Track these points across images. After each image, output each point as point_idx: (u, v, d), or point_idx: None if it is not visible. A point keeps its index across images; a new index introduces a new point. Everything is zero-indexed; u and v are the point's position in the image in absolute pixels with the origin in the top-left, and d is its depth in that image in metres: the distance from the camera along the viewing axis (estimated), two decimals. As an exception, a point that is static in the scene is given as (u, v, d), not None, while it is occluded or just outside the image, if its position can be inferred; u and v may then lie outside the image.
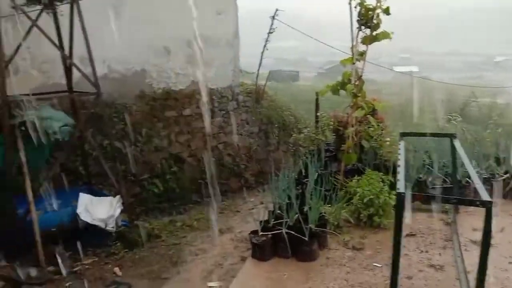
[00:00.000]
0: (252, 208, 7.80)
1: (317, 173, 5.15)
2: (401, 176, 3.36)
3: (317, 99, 6.09)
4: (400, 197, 3.01)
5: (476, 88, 16.76)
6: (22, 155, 5.09)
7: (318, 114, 6.02)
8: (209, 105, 8.50)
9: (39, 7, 5.48)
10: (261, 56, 8.69)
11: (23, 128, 4.98)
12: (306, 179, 5.18)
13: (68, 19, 5.62)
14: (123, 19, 7.15)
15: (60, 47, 5.64)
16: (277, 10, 8.47)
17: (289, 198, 4.60)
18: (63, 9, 5.71)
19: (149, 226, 6.46)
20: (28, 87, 6.26)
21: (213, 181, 8.54)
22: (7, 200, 5.28)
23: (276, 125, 9.32)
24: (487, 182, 5.22)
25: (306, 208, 4.59)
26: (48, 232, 5.43)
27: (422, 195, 4.08)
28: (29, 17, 5.04)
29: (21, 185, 5.41)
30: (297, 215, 4.38)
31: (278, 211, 4.59)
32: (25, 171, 5.15)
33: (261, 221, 4.54)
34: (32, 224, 5.25)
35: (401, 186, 3.15)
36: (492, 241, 2.93)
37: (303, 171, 5.49)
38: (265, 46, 8.64)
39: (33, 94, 5.55)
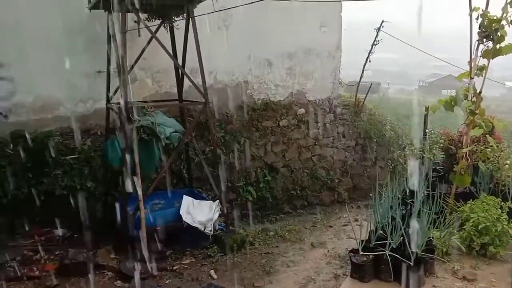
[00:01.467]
0: (345, 225, 7.59)
1: (424, 194, 4.83)
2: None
3: (426, 115, 5.73)
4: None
5: None
6: (136, 157, 5.51)
7: (427, 130, 5.66)
8: (306, 116, 8.48)
9: (158, 21, 5.94)
10: (363, 69, 8.47)
11: (139, 132, 5.39)
12: (411, 200, 4.88)
13: (183, 33, 6.00)
14: (229, 33, 7.47)
15: (175, 58, 6.02)
16: (383, 21, 8.21)
17: (393, 218, 4.36)
18: (179, 23, 6.13)
19: (243, 232, 6.59)
20: (142, 94, 6.84)
21: (306, 193, 8.49)
22: (121, 198, 5.73)
23: (374, 140, 8.98)
24: None
25: (411, 231, 4.31)
26: (153, 230, 5.80)
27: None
28: (150, 30, 5.47)
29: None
30: (401, 238, 4.14)
31: (381, 231, 4.38)
32: (137, 172, 5.55)
33: (362, 240, 4.37)
34: (139, 221, 5.64)
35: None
36: None
37: (407, 190, 5.17)
38: (368, 58, 8.40)
39: (148, 102, 6.02)
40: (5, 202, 5.76)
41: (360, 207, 8.52)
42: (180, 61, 6.15)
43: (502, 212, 4.36)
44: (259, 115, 7.95)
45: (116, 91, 6.03)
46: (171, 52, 5.89)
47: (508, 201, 4.53)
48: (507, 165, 4.97)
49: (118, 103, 5.61)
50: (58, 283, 4.97)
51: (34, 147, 6.04)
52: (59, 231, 6.07)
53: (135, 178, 5.57)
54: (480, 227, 4.23)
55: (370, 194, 8.82)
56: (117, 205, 5.78)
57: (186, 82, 6.43)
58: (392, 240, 4.17)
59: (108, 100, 6.09)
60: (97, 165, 6.34)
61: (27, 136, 6.03)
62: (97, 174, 6.35)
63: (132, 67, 5.86)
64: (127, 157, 5.41)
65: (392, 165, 9.03)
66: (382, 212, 4.62)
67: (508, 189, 4.83)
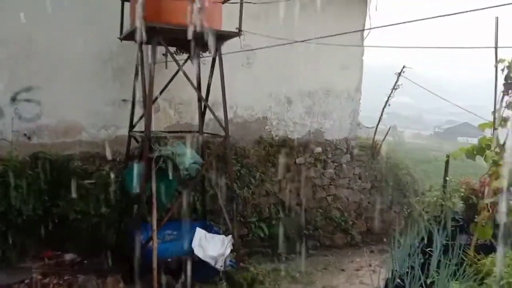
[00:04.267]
0: (358, 269, 7.43)
1: (443, 244, 4.72)
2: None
3: (447, 161, 5.68)
4: None
5: None
6: (154, 186, 5.54)
7: (447, 178, 5.59)
8: (322, 155, 8.47)
9: (185, 55, 6.12)
10: (382, 111, 8.50)
11: (159, 161, 5.43)
12: (428, 248, 4.77)
13: (208, 68, 6.16)
14: (252, 70, 7.63)
15: (199, 91, 6.15)
16: (404, 66, 8.31)
17: (412, 267, 4.25)
18: (205, 58, 6.30)
19: (254, 270, 6.46)
20: (164, 124, 6.95)
21: (319, 233, 8.35)
22: (135, 226, 5.71)
23: (390, 184, 8.89)
24: None
25: (429, 281, 4.19)
26: (163, 262, 5.74)
27: None
28: (177, 63, 5.62)
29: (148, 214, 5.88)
30: (420, 288, 4.02)
31: (398, 280, 4.26)
32: (154, 202, 5.57)
33: (379, 288, 4.25)
34: (151, 252, 5.60)
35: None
36: None
37: (426, 238, 5.06)
38: (387, 101, 8.44)
39: (170, 132, 6.10)
40: (19, 222, 5.78)
41: (374, 252, 8.34)
42: (203, 94, 6.27)
43: (525, 268, 4.20)
44: (276, 151, 7.97)
45: (139, 120, 6.14)
46: (195, 85, 6.01)
47: (531, 257, 4.38)
48: (531, 219, 4.84)
49: (141, 132, 5.71)
50: (65, 310, 4.91)
51: (53, 170, 6.12)
52: (70, 256, 6.04)
53: (150, 207, 5.60)
54: (502, 282, 4.08)
55: (385, 239, 8.74)
56: (130, 234, 5.77)
57: (207, 115, 6.54)
58: (411, 289, 4.05)
59: (130, 128, 6.18)
60: (113, 191, 6.37)
61: (47, 157, 6.12)
62: (112, 201, 6.36)
63: (157, 97, 5.98)
64: (145, 185, 5.45)
65: (408, 210, 8.89)
66: (400, 259, 4.51)
67: (532, 244, 4.68)
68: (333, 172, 8.60)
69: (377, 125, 8.74)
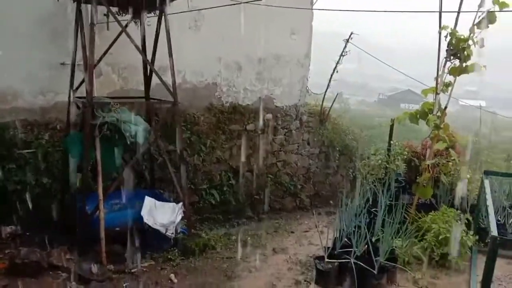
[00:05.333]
0: (307, 231, 7.65)
1: (387, 204, 4.95)
2: (491, 218, 3.14)
3: (391, 126, 5.88)
4: (495, 241, 2.80)
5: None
6: (98, 154, 5.30)
7: (392, 142, 5.81)
8: (272, 122, 8.50)
9: (129, 16, 5.77)
10: (330, 78, 8.60)
11: (102, 128, 5.19)
12: (373, 209, 4.99)
13: (153, 29, 5.86)
14: (200, 34, 7.38)
15: (144, 54, 5.87)
16: (352, 33, 8.40)
17: (359, 226, 4.43)
18: (150, 19, 5.98)
19: (205, 236, 6.49)
20: (107, 90, 6.61)
21: (269, 198, 8.49)
22: (80, 197, 5.49)
23: (337, 149, 9.14)
24: None
25: (374, 239, 4.40)
26: (112, 231, 5.59)
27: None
28: (120, 24, 5.30)
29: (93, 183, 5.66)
30: (366, 246, 4.21)
31: (346, 239, 4.43)
32: (99, 170, 5.35)
33: (327, 247, 4.40)
34: (98, 222, 5.43)
35: (494, 229, 2.94)
36: None
37: (371, 199, 5.29)
38: (335, 68, 8.55)
39: (114, 98, 5.82)
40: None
41: (321, 214, 8.62)
42: (149, 58, 5.99)
43: (461, 224, 4.53)
44: (227, 118, 7.88)
45: (80, 85, 5.78)
46: (140, 47, 5.72)
47: (466, 214, 4.72)
48: (466, 180, 5.19)
49: (82, 97, 5.40)
50: (8, 283, 4.67)
51: (-14, 139, 5.70)
52: (10, 228, 5.74)
53: (95, 176, 5.38)
54: (440, 237, 4.37)
55: (331, 202, 9.07)
56: (75, 204, 5.54)
57: (153, 80, 6.29)
58: (357, 248, 4.22)
59: (71, 94, 5.82)
60: (54, 160, 6.05)
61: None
62: (54, 171, 6.04)
63: (98, 61, 5.63)
64: (89, 154, 5.21)
65: (354, 174, 9.22)
66: (347, 220, 4.68)
67: (467, 201, 5.04)
68: (283, 138, 8.69)
69: (325, 92, 8.86)
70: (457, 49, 4.66)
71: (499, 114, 16.24)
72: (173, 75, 5.68)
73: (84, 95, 5.23)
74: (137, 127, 5.31)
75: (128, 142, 5.27)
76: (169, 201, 6.30)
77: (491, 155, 11.18)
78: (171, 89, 5.64)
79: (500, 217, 5.16)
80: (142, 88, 6.47)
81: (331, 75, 8.61)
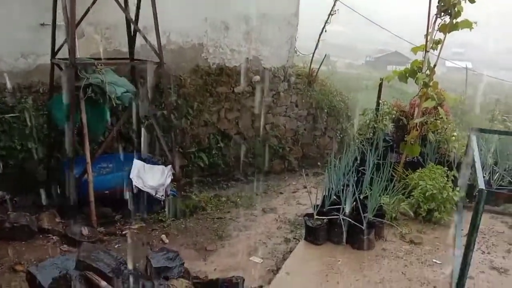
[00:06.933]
0: (295, 191, 7.76)
1: (374, 163, 5.00)
2: (479, 172, 3.20)
3: (380, 85, 5.86)
4: (481, 194, 2.86)
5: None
6: (84, 117, 5.20)
7: (380, 101, 5.81)
8: (260, 84, 8.40)
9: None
10: (318, 39, 8.46)
11: (87, 90, 5.06)
12: (361, 167, 5.04)
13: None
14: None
15: (127, 12, 5.66)
16: (340, -10, 8.21)
17: (346, 185, 4.48)
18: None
19: (195, 198, 6.53)
20: (90, 51, 6.40)
21: (258, 160, 8.52)
22: (67, 161, 5.43)
23: (325, 110, 9.13)
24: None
25: (362, 197, 4.47)
26: (101, 194, 5.58)
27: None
28: (101, -19, 5.07)
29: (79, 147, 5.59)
30: (354, 203, 4.28)
31: (334, 197, 4.49)
32: (85, 133, 5.26)
33: (316, 205, 4.46)
34: (87, 185, 5.40)
35: (481, 182, 3.00)
36: None
37: (359, 158, 5.34)
38: (324, 27, 8.39)
39: (97, 59, 5.64)
40: None
41: (309, 175, 8.71)
42: (132, 18, 5.79)
43: (447, 181, 4.62)
44: (214, 80, 7.76)
45: (62, 46, 5.58)
46: (123, 6, 5.51)
47: (453, 171, 4.81)
48: (453, 137, 5.25)
49: (65, 59, 5.22)
50: (-1, 248, 4.68)
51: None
52: (-3, 194, 5.68)
53: (82, 139, 5.30)
54: (427, 194, 4.46)
55: (319, 163, 9.15)
56: (62, 168, 5.48)
57: (138, 41, 6.10)
58: (346, 205, 4.29)
59: (53, 56, 5.63)
60: (39, 125, 5.93)
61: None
62: (39, 135, 5.93)
63: (80, 19, 5.42)
64: (74, 117, 5.10)
65: (341, 135, 9.27)
66: (336, 178, 4.73)
67: (454, 159, 5.12)
68: (270, 101, 8.62)
69: (314, 52, 8.74)
70: (448, 5, 4.60)
71: (486, 75, 16.29)
72: (157, 34, 5.52)
73: (67, 57, 5.05)
74: (122, 89, 5.19)
75: (114, 104, 5.15)
76: (158, 164, 6.28)
77: (477, 115, 11.30)
78: (157, 50, 5.49)
79: (485, 174, 5.27)
80: (126, 49, 6.28)
81: (320, 35, 8.46)
